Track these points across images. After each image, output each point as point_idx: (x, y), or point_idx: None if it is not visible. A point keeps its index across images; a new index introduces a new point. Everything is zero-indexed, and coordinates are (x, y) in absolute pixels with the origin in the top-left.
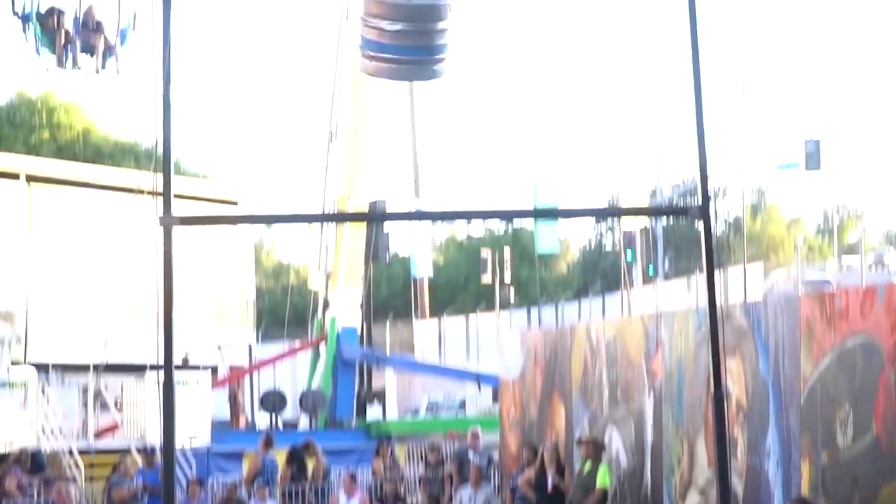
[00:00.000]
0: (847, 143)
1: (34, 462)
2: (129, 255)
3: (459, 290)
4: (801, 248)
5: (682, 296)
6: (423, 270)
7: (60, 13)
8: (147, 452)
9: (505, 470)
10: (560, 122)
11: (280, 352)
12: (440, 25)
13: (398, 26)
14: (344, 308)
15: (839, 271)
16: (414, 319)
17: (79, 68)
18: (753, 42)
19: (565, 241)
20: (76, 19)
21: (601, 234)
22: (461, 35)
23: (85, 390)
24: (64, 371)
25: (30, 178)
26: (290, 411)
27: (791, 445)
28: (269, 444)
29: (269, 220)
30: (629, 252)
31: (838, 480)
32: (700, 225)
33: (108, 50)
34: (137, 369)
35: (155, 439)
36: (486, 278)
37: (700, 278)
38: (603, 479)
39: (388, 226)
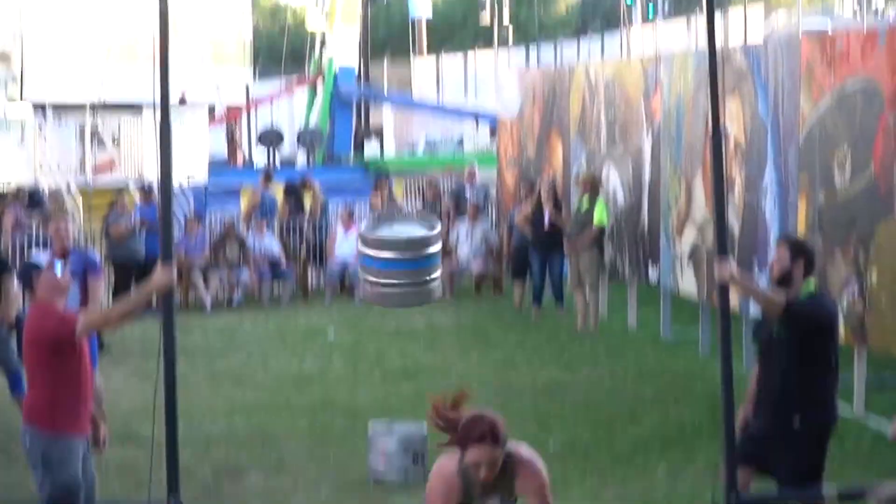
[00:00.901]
0: None
1: (32, 199)
2: None
3: (457, 29)
4: None
5: (682, 37)
6: (421, 11)
7: None
8: (144, 189)
9: (502, 206)
10: None
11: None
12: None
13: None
14: (341, 47)
15: (840, 15)
16: (412, 57)
17: None
18: None
19: None
20: None
21: None
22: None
23: (82, 129)
24: (60, 111)
25: None
26: (288, 148)
27: (788, 184)
28: (268, 179)
29: None
30: None
31: (835, 220)
32: None
33: None
34: (134, 108)
35: (152, 176)
36: (485, 18)
37: (700, 19)
38: (600, 215)
39: None
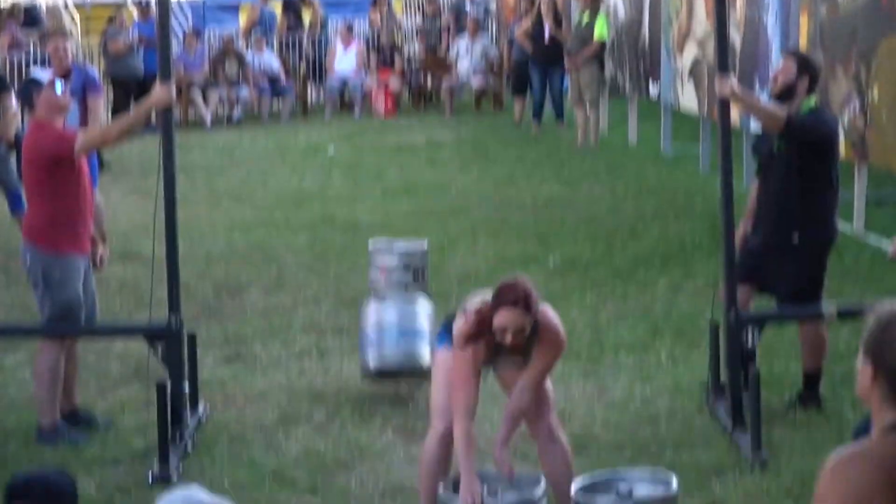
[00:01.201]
0: None
1: (28, 17)
2: None
3: None
4: None
5: None
6: None
7: None
8: (142, 5)
9: (502, 21)
10: None
11: None
12: None
13: None
14: None
15: None
16: None
17: None
18: None
19: None
20: None
21: None
22: None
23: None
24: None
25: None
26: None
27: None
28: None
29: None
30: None
31: (837, 34)
32: None
33: None
34: None
35: None
36: None
37: None
38: (600, 30)
39: None
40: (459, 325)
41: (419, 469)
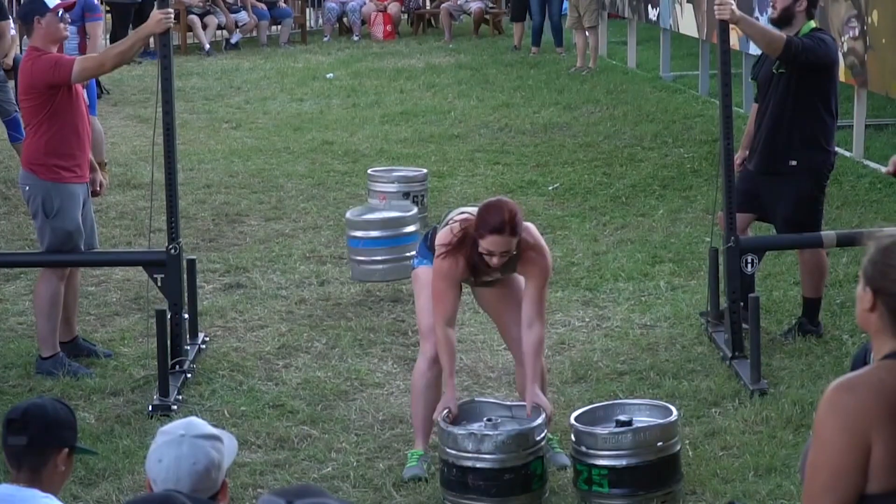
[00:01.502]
0: None
1: None
2: None
3: None
4: None
5: None
6: None
7: None
8: None
9: None
10: None
11: None
12: None
13: None
14: None
15: None
16: None
17: None
18: None
19: None
20: None
21: None
22: None
23: None
24: None
25: None
26: None
27: None
28: None
29: None
30: None
31: None
32: None
33: None
34: None
35: None
36: None
37: None
38: None
39: None
40: (443, 235)
41: (411, 393)
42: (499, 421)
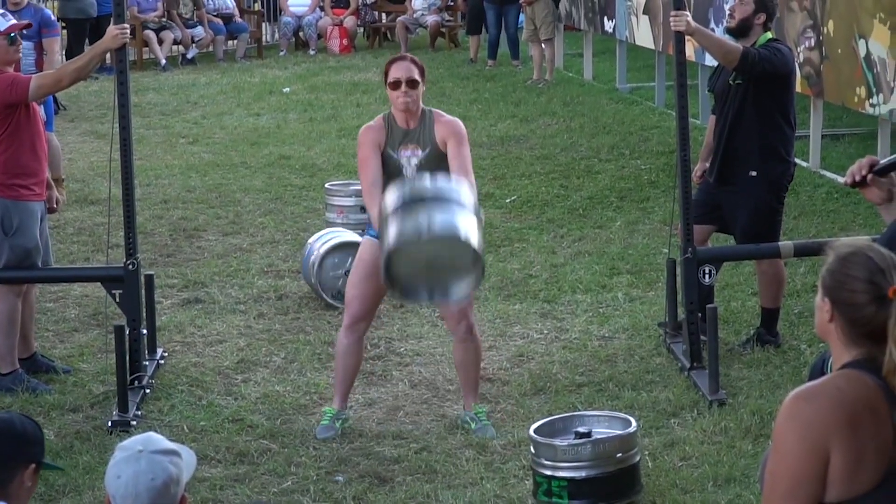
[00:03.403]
0: None
1: None
2: None
3: None
4: None
5: None
6: None
7: None
8: None
9: None
10: None
11: None
12: None
13: None
14: None
15: None
16: None
17: None
18: None
19: None
20: None
21: None
22: None
23: None
24: None
25: None
26: None
27: None
28: None
29: None
30: None
31: None
32: None
33: None
34: None
35: None
36: None
37: None
38: None
39: None
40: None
41: (335, 360)
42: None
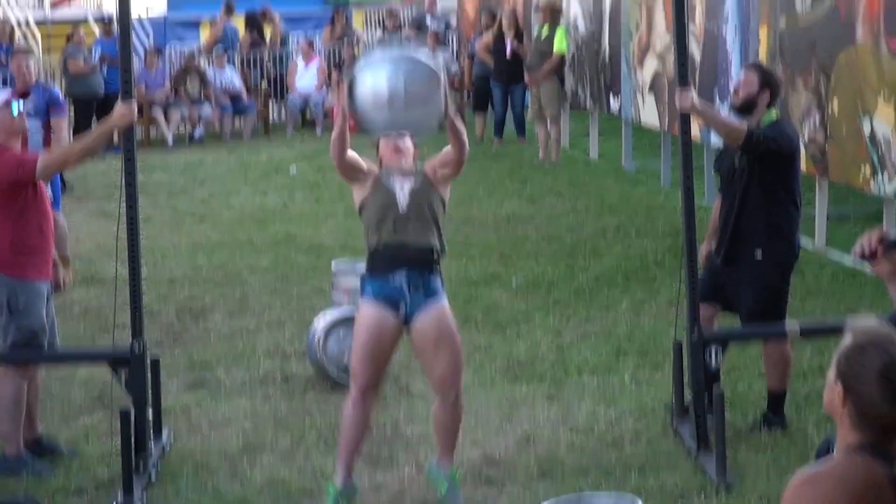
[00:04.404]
0: None
1: None
2: None
3: None
4: None
5: None
6: None
7: None
8: (104, 22)
9: (463, 36)
10: None
11: None
12: None
13: None
14: None
15: None
16: None
17: None
18: None
19: None
20: None
21: None
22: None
23: None
24: None
25: None
26: None
27: (749, 11)
28: (230, 10)
29: None
30: None
31: (796, 47)
32: None
33: None
34: None
35: (111, 8)
36: None
37: None
38: (560, 43)
39: None
40: None
41: (340, 433)
42: None
